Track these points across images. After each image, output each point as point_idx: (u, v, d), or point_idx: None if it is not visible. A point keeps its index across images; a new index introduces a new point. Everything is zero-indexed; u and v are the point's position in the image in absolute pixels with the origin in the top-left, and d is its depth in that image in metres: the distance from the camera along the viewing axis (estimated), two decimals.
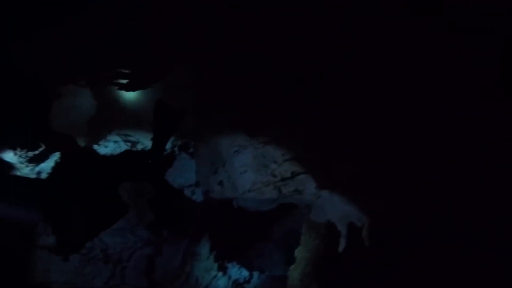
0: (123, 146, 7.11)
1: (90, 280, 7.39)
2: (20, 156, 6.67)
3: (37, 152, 6.76)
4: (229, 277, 7.88)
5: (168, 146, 7.21)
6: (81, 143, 7.20)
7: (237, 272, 7.95)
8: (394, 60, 4.96)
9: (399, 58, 4.91)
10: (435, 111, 5.13)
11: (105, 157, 6.90)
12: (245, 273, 7.91)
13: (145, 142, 7.23)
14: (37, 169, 6.92)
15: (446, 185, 5.79)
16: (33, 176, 6.96)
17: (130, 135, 7.20)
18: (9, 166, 6.82)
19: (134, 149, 7.17)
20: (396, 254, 6.21)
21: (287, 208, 7.41)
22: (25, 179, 6.88)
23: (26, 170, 6.86)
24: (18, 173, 6.86)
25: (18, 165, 6.76)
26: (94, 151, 7.08)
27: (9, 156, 6.65)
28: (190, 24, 5.10)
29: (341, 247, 6.01)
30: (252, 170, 6.07)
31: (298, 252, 6.35)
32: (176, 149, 7.38)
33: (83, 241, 7.41)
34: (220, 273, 7.86)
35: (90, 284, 7.38)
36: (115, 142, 7.04)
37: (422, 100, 5.17)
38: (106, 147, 6.97)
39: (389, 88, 5.24)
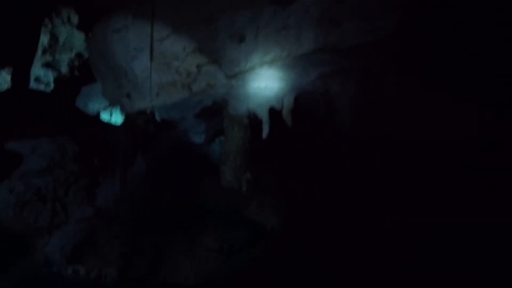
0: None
1: (32, 223, 7.18)
2: None
3: None
4: None
5: (65, 70, 6.37)
6: None
7: None
8: None
9: None
10: None
11: None
12: None
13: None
14: None
15: None
16: None
17: None
18: None
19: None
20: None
21: (212, 113, 7.10)
22: None
23: None
24: None
25: None
26: None
27: None
28: None
29: (264, 134, 5.90)
30: (155, 73, 5.51)
31: (225, 148, 6.23)
32: (76, 72, 6.56)
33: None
34: None
35: (33, 226, 7.18)
36: None
37: None
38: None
39: None
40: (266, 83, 5.51)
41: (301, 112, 5.90)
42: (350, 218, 6.17)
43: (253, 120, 6.11)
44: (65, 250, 6.71)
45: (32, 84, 6.41)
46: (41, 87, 6.58)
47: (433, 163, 5.75)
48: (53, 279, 6.25)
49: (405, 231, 5.48)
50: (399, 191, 5.80)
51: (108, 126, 7.13)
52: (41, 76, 6.48)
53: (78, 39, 6.54)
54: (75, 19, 6.04)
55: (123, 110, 6.08)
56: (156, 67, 5.50)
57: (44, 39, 6.03)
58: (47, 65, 6.38)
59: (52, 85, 6.71)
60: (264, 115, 5.83)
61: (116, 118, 7.03)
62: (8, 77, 6.21)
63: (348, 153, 6.02)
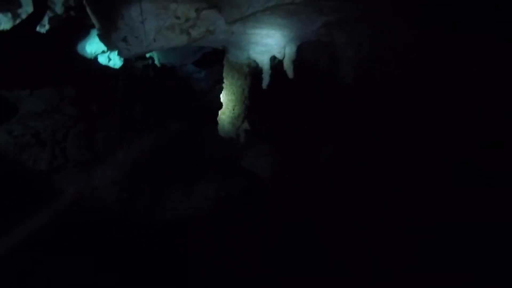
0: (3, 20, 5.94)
1: (31, 165, 7.27)
2: None
3: None
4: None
5: (60, 10, 6.08)
6: None
7: None
8: None
9: None
10: None
11: None
12: None
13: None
14: None
15: None
16: None
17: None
18: None
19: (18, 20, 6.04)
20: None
21: (213, 60, 6.88)
22: None
23: None
24: None
25: None
26: None
27: None
28: None
29: (265, 83, 5.78)
30: (152, 16, 5.27)
31: (223, 96, 6.11)
32: (72, 12, 6.26)
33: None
34: None
35: (32, 168, 7.28)
36: None
37: None
38: None
39: None
40: (268, 30, 5.28)
41: (303, 62, 5.72)
42: (350, 180, 6.12)
43: (254, 68, 5.95)
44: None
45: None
46: (36, 27, 6.34)
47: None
48: None
49: (405, 223, 5.48)
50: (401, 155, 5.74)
51: (107, 70, 6.96)
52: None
53: None
54: None
55: (120, 54, 5.90)
56: (153, 10, 5.24)
57: None
58: None
59: (47, 26, 6.46)
60: (265, 64, 5.66)
61: (114, 62, 6.83)
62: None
63: (350, 107, 5.91)
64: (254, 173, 7.72)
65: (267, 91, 5.78)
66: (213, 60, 7.08)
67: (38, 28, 6.27)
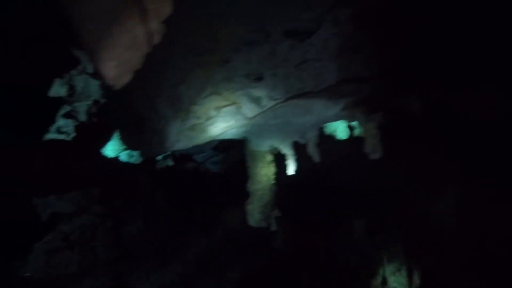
0: None
1: (64, 268, 7.17)
2: None
3: None
4: None
5: (84, 118, 6.33)
6: None
7: None
8: None
9: None
10: None
11: None
12: None
13: None
14: None
15: None
16: None
17: None
18: None
19: None
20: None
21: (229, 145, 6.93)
22: None
23: None
24: None
25: None
26: None
27: None
28: None
29: (290, 170, 5.67)
30: (174, 120, 5.37)
31: (249, 186, 6.01)
32: (94, 119, 6.52)
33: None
34: None
35: (65, 271, 7.17)
36: None
37: None
38: None
39: None
40: (288, 119, 5.29)
41: (327, 145, 5.65)
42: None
43: (277, 156, 5.90)
44: None
45: (54, 135, 6.42)
46: (62, 136, 6.58)
47: None
48: None
49: None
50: None
51: (128, 166, 7.08)
52: (62, 126, 6.49)
53: (94, 86, 6.52)
54: (90, 68, 6.02)
55: (142, 155, 5.98)
56: (175, 113, 5.35)
57: (61, 90, 6.01)
58: (67, 115, 6.38)
59: (72, 134, 6.70)
60: (288, 151, 5.61)
61: (136, 158, 6.96)
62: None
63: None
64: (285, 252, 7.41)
65: (295, 176, 5.68)
66: (229, 145, 7.13)
67: (64, 137, 6.52)
